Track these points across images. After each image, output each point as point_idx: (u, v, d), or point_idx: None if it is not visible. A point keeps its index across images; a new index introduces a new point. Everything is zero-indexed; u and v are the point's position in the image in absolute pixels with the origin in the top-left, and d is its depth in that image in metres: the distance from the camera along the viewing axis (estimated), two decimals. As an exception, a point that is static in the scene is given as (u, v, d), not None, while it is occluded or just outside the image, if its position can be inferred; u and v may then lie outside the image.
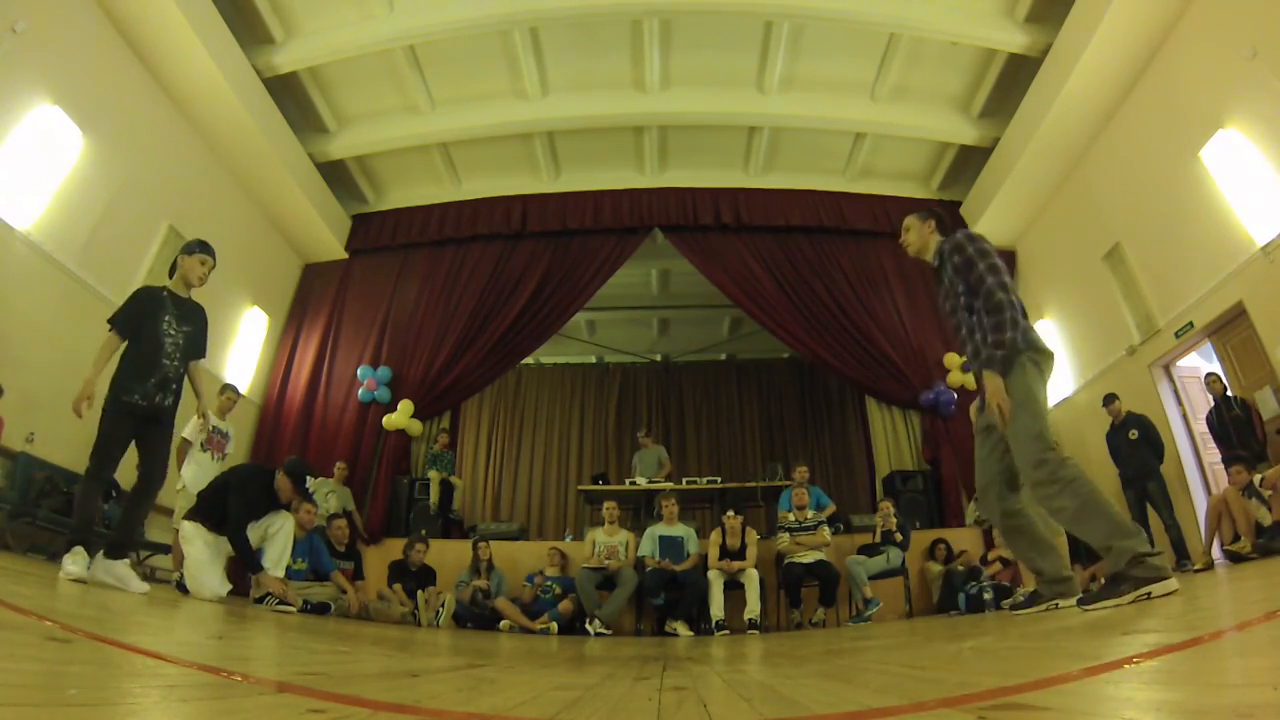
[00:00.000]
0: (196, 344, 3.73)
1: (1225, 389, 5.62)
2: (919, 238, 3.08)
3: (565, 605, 5.54)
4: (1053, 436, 2.64)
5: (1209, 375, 5.78)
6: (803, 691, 1.30)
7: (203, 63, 6.00)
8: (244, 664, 1.52)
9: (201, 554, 4.04)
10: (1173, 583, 2.27)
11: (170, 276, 3.78)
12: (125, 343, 3.52)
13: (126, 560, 3.44)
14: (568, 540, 7.27)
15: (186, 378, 3.71)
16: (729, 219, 8.37)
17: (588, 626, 5.38)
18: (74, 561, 3.11)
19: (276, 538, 4.31)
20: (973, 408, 3.02)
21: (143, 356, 3.46)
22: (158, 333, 3.52)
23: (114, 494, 5.22)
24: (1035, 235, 8.27)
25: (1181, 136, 5.82)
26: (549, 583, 5.76)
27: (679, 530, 5.95)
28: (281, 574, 4.34)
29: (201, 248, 3.79)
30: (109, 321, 3.52)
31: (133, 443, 3.49)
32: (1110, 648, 1.44)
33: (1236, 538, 4.83)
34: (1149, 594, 2.22)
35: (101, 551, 3.36)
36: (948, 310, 3.01)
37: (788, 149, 8.33)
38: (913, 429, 7.78)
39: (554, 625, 5.39)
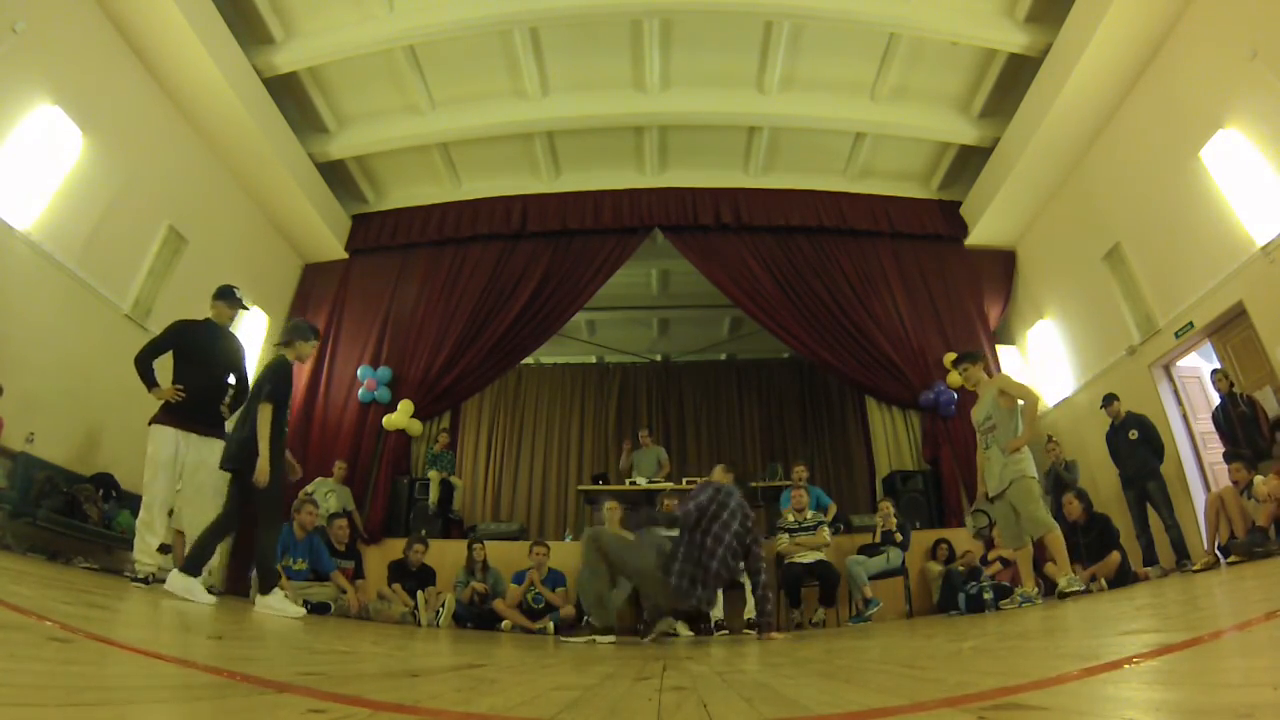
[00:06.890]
0: None
1: (1232, 385, 5.60)
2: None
3: (568, 611, 5.52)
4: None
5: (1215, 371, 5.75)
6: (803, 691, 1.30)
7: (203, 63, 5.99)
8: (244, 664, 1.52)
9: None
10: None
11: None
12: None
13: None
14: (567, 540, 7.27)
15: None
16: (729, 219, 8.35)
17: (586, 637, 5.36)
18: (278, 599, 3.80)
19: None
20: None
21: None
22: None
23: (114, 493, 5.23)
24: (1035, 235, 8.27)
25: (1181, 136, 5.81)
26: (534, 592, 5.67)
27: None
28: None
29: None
30: (270, 400, 4.08)
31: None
32: (1110, 648, 1.44)
33: (1234, 538, 4.82)
34: None
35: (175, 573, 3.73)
36: None
37: (788, 149, 8.32)
38: (913, 429, 7.77)
39: (551, 625, 5.39)
